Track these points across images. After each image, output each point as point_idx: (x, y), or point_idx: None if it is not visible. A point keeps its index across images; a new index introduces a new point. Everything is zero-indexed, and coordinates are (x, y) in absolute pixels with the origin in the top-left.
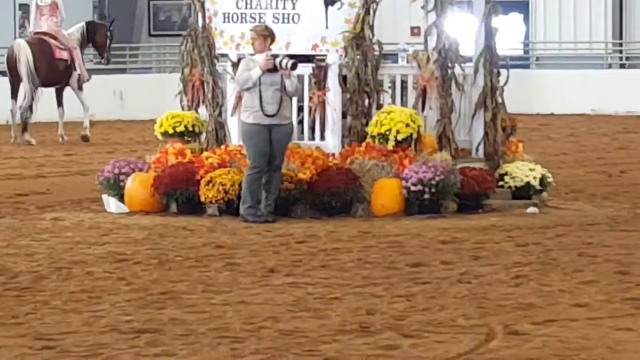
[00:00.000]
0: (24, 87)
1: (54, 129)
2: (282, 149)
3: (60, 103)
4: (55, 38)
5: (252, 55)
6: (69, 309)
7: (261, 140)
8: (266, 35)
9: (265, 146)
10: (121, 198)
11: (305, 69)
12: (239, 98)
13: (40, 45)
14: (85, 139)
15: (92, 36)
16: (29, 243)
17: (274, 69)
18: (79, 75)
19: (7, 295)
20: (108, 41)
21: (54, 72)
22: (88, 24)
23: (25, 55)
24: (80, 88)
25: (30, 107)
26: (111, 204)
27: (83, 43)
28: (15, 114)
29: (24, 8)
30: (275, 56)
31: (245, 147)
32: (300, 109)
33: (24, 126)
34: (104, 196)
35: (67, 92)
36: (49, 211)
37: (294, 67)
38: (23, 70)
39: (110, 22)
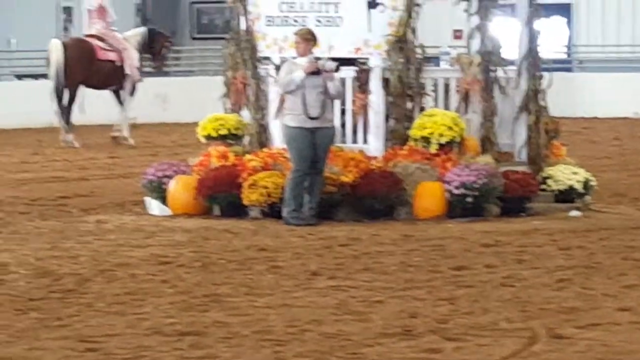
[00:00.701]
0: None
1: (97, 132)
2: (325, 152)
3: (120, 105)
4: (102, 40)
5: (294, 58)
6: (113, 312)
7: (304, 143)
8: (309, 39)
9: (308, 149)
10: (164, 201)
11: (348, 72)
12: (282, 101)
13: (79, 46)
14: (116, 140)
15: (151, 43)
16: (72, 245)
17: (316, 72)
18: (130, 77)
19: (51, 297)
20: (165, 51)
21: (98, 74)
22: (150, 30)
23: (55, 55)
24: (131, 93)
25: (66, 108)
26: (154, 206)
27: (143, 47)
28: (60, 115)
29: (68, 11)
30: (317, 59)
31: (288, 150)
32: (343, 112)
33: (67, 128)
34: (147, 199)
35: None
36: (93, 214)
37: (336, 69)
38: (51, 70)
39: (171, 33)
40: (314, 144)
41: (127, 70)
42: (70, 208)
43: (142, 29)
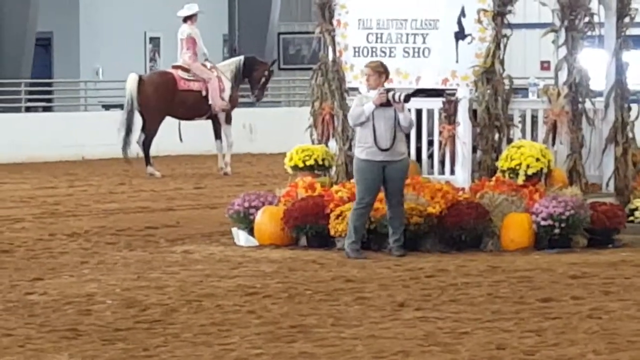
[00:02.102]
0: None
1: (182, 162)
2: (399, 186)
3: (217, 136)
4: (187, 70)
5: (367, 91)
6: (200, 342)
7: (372, 177)
8: (381, 72)
9: (375, 183)
10: (251, 231)
11: (435, 103)
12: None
13: (157, 78)
14: (225, 174)
15: (249, 71)
16: (159, 276)
17: (387, 104)
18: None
19: (138, 327)
20: (264, 79)
21: (182, 104)
22: (247, 58)
23: (129, 88)
24: (227, 121)
25: (143, 140)
26: (241, 237)
27: (238, 76)
28: (141, 147)
29: (154, 41)
30: (388, 90)
31: (355, 181)
32: (430, 143)
33: (147, 159)
34: (234, 229)
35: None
36: (179, 244)
37: (406, 99)
38: (125, 102)
39: (272, 62)
40: (385, 178)
41: (210, 100)
42: (157, 238)
43: (238, 59)
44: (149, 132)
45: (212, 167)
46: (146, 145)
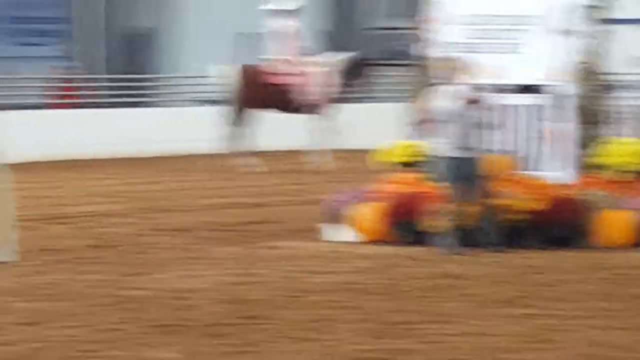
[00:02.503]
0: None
1: (280, 158)
2: (483, 181)
3: (315, 131)
4: (285, 65)
5: (447, 86)
6: (302, 338)
7: (463, 174)
8: (462, 68)
9: (467, 180)
10: (349, 227)
11: (538, 100)
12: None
13: (250, 71)
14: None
15: (354, 67)
16: (261, 271)
17: (471, 101)
18: (317, 102)
19: (241, 323)
20: (367, 75)
21: (275, 98)
22: (352, 54)
23: (222, 82)
24: (325, 117)
25: (238, 133)
26: (340, 233)
27: (342, 71)
28: (238, 140)
29: (252, 37)
30: (472, 88)
31: (447, 179)
32: (534, 140)
33: (243, 152)
34: (333, 225)
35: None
36: (281, 239)
37: (488, 99)
38: (221, 96)
39: (373, 57)
40: (469, 174)
41: (305, 95)
42: (259, 234)
43: (349, 55)
44: (241, 125)
45: (311, 163)
46: (243, 138)
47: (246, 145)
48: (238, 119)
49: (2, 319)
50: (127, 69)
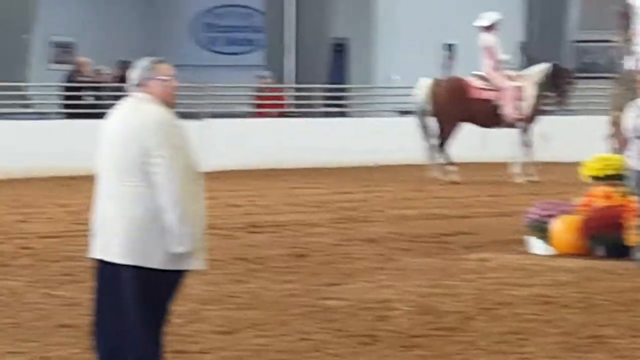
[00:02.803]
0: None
1: (482, 169)
2: None
3: (518, 144)
4: (486, 80)
5: None
6: (496, 351)
7: None
8: None
9: None
10: (547, 240)
11: None
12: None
13: (449, 84)
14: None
15: (556, 79)
16: (455, 283)
17: None
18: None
19: (434, 335)
20: (568, 87)
21: (476, 112)
22: (554, 66)
23: (419, 94)
24: (525, 130)
25: (434, 144)
26: (537, 245)
27: (545, 84)
28: (437, 152)
29: (450, 49)
30: None
31: (635, 192)
32: None
33: (442, 164)
34: (530, 238)
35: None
36: (475, 251)
37: None
38: (416, 107)
39: (573, 69)
40: None
41: (504, 110)
42: (452, 245)
43: (545, 66)
44: (442, 137)
45: (511, 174)
46: (440, 150)
47: (446, 157)
48: (439, 132)
49: (196, 327)
50: (332, 79)
